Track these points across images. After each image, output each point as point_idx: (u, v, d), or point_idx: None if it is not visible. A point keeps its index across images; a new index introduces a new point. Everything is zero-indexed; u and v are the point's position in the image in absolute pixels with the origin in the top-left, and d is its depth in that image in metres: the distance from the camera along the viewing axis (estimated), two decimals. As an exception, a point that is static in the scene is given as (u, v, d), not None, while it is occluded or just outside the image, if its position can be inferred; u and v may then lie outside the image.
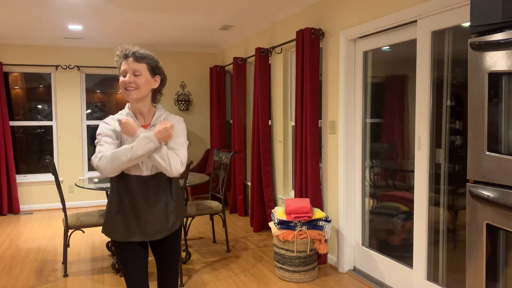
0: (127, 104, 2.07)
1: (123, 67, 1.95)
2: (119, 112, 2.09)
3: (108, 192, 3.66)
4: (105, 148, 1.90)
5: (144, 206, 2.00)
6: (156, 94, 2.06)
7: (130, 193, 1.99)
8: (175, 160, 1.93)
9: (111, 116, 2.07)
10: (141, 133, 1.87)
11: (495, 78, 1.66)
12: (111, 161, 1.84)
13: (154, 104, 2.09)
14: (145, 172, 1.99)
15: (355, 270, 3.76)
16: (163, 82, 2.04)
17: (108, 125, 2.00)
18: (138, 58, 1.94)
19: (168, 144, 1.99)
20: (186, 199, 3.75)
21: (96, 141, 1.97)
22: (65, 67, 6.40)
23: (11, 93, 6.35)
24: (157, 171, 2.01)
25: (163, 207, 2.04)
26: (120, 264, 2.06)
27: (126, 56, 1.94)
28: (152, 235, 2.03)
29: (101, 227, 5.26)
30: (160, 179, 2.03)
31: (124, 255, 2.03)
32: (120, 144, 1.99)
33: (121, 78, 1.96)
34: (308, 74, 3.89)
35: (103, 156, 1.86)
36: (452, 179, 2.82)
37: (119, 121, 1.91)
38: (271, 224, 3.66)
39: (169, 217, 2.07)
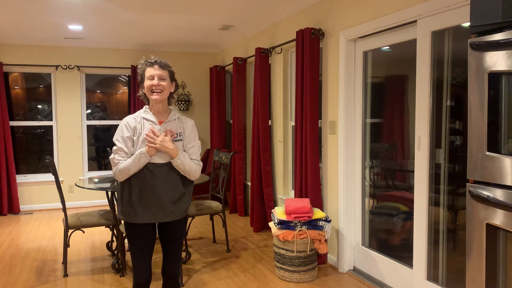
0: (145, 106, 2.38)
1: (149, 72, 2.27)
2: (138, 111, 2.39)
3: (108, 191, 3.67)
4: (119, 157, 2.27)
5: (151, 192, 2.25)
6: (171, 97, 2.40)
7: (141, 178, 2.26)
8: (194, 169, 2.32)
9: (130, 115, 2.37)
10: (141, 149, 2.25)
11: (495, 78, 1.66)
12: (122, 173, 2.25)
13: (170, 106, 2.43)
14: (157, 160, 2.26)
15: (355, 270, 3.76)
16: (177, 87, 2.43)
17: (125, 127, 2.29)
18: (163, 66, 2.29)
19: (185, 146, 2.35)
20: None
21: (114, 147, 2.30)
22: (65, 67, 6.40)
23: (11, 93, 6.35)
24: (168, 160, 2.28)
25: (171, 193, 2.29)
26: (129, 243, 2.35)
27: (152, 64, 2.28)
28: (156, 218, 2.29)
29: (101, 227, 5.28)
30: (170, 167, 2.29)
31: (132, 235, 2.32)
32: (134, 139, 2.30)
33: (148, 82, 2.26)
34: (308, 74, 3.89)
35: (117, 169, 2.25)
36: (452, 179, 2.82)
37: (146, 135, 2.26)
38: (271, 224, 3.66)
39: (176, 203, 2.31)
